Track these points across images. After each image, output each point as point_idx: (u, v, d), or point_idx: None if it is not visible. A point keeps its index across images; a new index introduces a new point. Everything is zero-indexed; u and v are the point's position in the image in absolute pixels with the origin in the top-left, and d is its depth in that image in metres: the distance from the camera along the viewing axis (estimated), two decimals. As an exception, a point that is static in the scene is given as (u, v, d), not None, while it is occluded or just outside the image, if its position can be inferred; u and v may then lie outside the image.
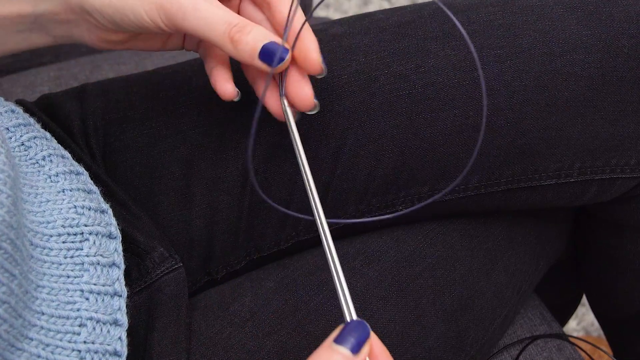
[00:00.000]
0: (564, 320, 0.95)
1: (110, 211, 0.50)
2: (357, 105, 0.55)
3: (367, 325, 0.40)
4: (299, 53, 0.47)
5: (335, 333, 0.40)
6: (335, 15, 1.63)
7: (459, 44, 0.55)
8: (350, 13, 1.65)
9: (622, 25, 0.55)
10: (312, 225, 0.58)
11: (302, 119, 0.55)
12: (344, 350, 0.38)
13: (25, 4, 0.49)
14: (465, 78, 0.55)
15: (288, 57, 0.46)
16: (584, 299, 0.93)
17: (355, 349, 0.39)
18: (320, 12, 1.64)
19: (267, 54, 0.45)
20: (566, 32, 0.55)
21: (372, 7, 1.65)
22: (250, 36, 0.45)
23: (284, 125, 0.53)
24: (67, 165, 0.51)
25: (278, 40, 0.46)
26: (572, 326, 1.20)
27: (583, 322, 1.21)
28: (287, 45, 0.46)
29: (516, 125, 0.55)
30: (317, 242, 0.59)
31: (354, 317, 0.41)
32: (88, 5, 0.47)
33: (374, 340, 0.40)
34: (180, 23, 0.46)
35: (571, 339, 0.72)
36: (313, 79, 0.49)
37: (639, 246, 0.65)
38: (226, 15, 0.46)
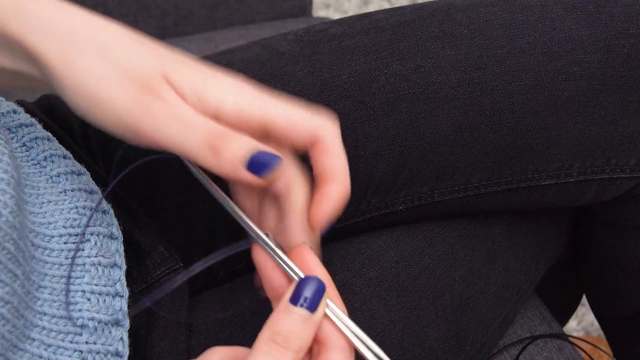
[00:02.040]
0: (564, 320, 0.96)
1: (111, 211, 0.50)
2: (357, 105, 0.55)
3: (321, 280, 0.39)
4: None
5: (288, 293, 0.38)
6: (335, 15, 1.63)
7: (458, 44, 0.55)
8: (350, 13, 1.65)
9: (622, 25, 0.55)
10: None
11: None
12: (302, 312, 0.38)
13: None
14: (464, 78, 0.55)
15: (279, 165, 0.40)
16: (584, 299, 0.93)
17: (313, 307, 0.38)
18: (320, 12, 1.65)
19: (256, 163, 0.39)
20: (566, 32, 0.55)
21: (372, 7, 1.65)
22: (235, 143, 0.39)
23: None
24: (69, 165, 0.51)
25: (268, 148, 0.40)
26: (572, 326, 1.20)
27: (583, 322, 1.21)
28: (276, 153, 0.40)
29: (516, 125, 0.55)
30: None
31: (300, 273, 0.40)
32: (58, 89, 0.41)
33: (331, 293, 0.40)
34: (151, 137, 0.39)
35: (571, 339, 0.72)
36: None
37: (639, 246, 0.65)
38: (206, 122, 0.39)
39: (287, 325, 0.38)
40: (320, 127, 0.42)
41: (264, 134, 0.41)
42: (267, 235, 0.42)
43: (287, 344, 0.37)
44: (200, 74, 0.41)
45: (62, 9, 0.40)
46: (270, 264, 0.41)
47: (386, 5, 1.67)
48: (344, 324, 0.40)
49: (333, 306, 0.40)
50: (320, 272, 0.40)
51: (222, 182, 0.44)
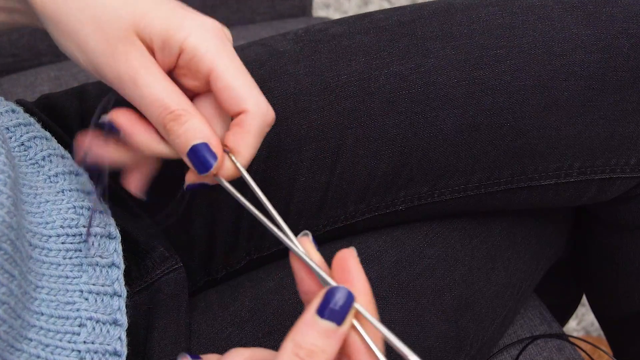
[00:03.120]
0: (564, 320, 0.95)
1: (109, 211, 0.50)
2: (357, 105, 0.55)
3: (350, 292, 0.36)
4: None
5: (316, 303, 0.36)
6: (335, 15, 1.63)
7: (458, 44, 0.55)
8: (350, 13, 1.65)
9: (622, 25, 0.55)
10: (311, 226, 0.58)
11: (302, 120, 0.55)
12: (328, 325, 0.35)
13: None
14: (464, 78, 0.55)
15: (216, 165, 0.42)
16: (584, 299, 0.93)
17: (339, 320, 0.35)
18: (320, 12, 1.64)
19: (195, 155, 0.42)
20: (566, 32, 0.55)
21: (372, 7, 1.65)
22: (183, 129, 0.42)
23: (283, 126, 0.53)
24: (67, 165, 0.50)
25: (213, 139, 0.42)
26: (572, 326, 1.20)
27: (583, 322, 1.21)
28: (218, 152, 0.42)
29: (516, 125, 0.55)
30: (317, 242, 0.59)
31: (332, 282, 0.37)
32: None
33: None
34: (119, 91, 0.43)
35: (571, 339, 0.72)
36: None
37: (639, 246, 0.65)
38: (165, 96, 0.42)
39: (311, 338, 0.35)
40: (249, 107, 0.43)
41: (207, 79, 0.43)
42: (306, 234, 0.40)
43: (311, 357, 0.35)
44: (166, 18, 0.43)
45: None
46: (304, 269, 0.39)
47: (386, 5, 1.67)
48: (375, 334, 0.37)
49: (368, 316, 0.37)
50: (359, 280, 0.37)
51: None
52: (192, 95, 0.45)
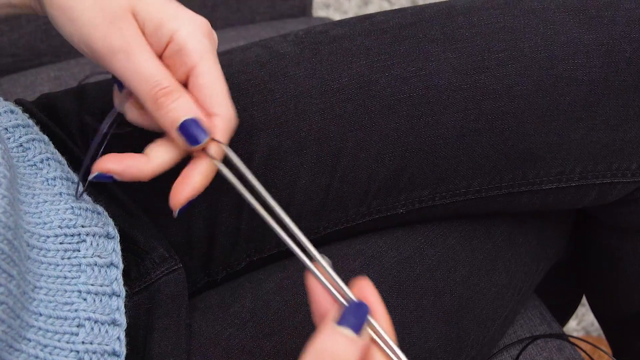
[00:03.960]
0: (564, 320, 0.95)
1: (105, 212, 0.50)
2: (358, 108, 0.55)
3: (366, 304, 0.39)
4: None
5: (333, 315, 0.38)
6: (335, 15, 1.62)
7: (460, 47, 0.55)
8: (350, 13, 1.65)
9: (624, 30, 0.55)
10: (312, 228, 0.58)
11: (302, 122, 0.55)
12: (347, 332, 0.37)
13: None
14: (465, 81, 0.55)
15: (206, 141, 0.44)
16: (584, 299, 0.93)
17: (357, 329, 0.37)
18: (320, 12, 1.64)
19: (186, 130, 0.43)
20: (568, 36, 0.55)
21: (372, 7, 1.65)
22: (174, 104, 0.43)
23: (283, 129, 0.52)
24: (65, 172, 0.51)
25: (201, 117, 0.44)
26: (572, 326, 1.20)
27: (583, 322, 1.21)
28: (207, 127, 0.44)
29: (517, 130, 0.55)
30: (316, 245, 0.59)
31: (353, 297, 0.39)
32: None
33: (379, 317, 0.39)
34: (108, 65, 0.44)
35: (571, 339, 0.72)
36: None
37: (638, 247, 0.65)
38: (157, 73, 0.44)
39: (332, 346, 0.37)
40: (219, 113, 0.45)
41: (187, 73, 0.45)
42: (322, 256, 0.41)
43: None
44: (162, 6, 0.45)
45: None
46: (320, 289, 0.40)
47: (386, 6, 1.66)
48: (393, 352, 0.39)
49: (384, 334, 0.39)
50: (377, 301, 0.39)
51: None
52: None
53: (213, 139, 0.45)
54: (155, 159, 0.45)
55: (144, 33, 0.44)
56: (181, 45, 0.44)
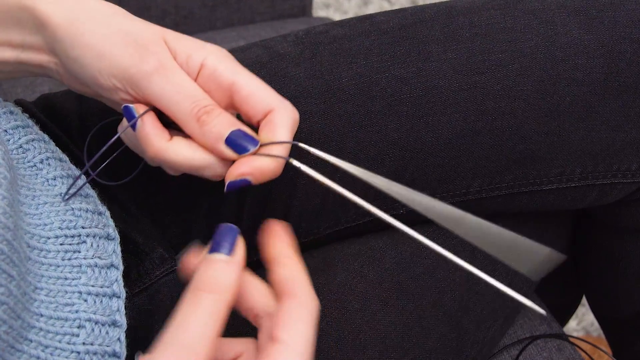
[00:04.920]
0: (564, 320, 0.95)
1: (107, 213, 0.50)
2: (358, 108, 0.55)
3: (235, 227, 0.40)
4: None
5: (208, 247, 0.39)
6: (335, 16, 1.62)
7: (460, 48, 0.55)
8: (350, 13, 1.65)
9: (625, 30, 0.55)
10: (312, 229, 0.58)
11: (302, 123, 0.55)
12: (220, 256, 0.38)
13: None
14: (466, 82, 0.55)
15: (254, 149, 0.45)
16: (584, 299, 0.93)
17: (228, 250, 0.39)
18: (320, 12, 1.64)
19: (234, 141, 0.44)
20: (568, 36, 0.55)
21: (372, 7, 1.65)
22: (217, 120, 0.44)
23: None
24: (65, 169, 0.51)
25: (246, 128, 0.45)
26: (572, 326, 1.20)
27: (583, 322, 1.21)
28: (255, 136, 0.45)
29: (518, 130, 0.55)
30: (316, 245, 0.59)
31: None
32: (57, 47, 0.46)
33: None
34: (144, 90, 0.44)
35: (571, 339, 0.72)
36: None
37: (638, 248, 0.65)
38: (197, 92, 0.45)
39: (207, 273, 0.37)
40: (275, 106, 0.45)
41: (229, 95, 0.46)
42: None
43: (211, 287, 0.37)
44: (190, 39, 0.47)
45: None
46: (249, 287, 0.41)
47: (386, 6, 1.66)
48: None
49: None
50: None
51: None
52: None
53: (263, 145, 0.45)
54: (174, 143, 0.45)
55: (175, 61, 0.45)
56: (213, 68, 0.45)
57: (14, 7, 0.46)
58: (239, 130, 0.44)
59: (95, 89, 0.46)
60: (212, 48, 0.46)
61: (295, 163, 0.45)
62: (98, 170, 0.48)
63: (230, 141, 0.44)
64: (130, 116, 0.45)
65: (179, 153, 0.45)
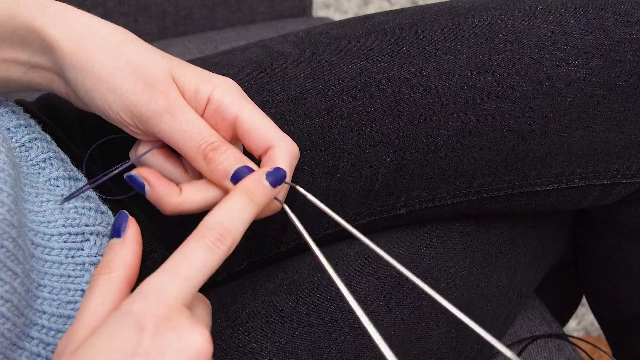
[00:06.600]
0: (564, 320, 0.96)
1: (109, 212, 0.50)
2: (358, 109, 0.55)
3: (124, 211, 0.44)
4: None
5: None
6: (335, 16, 1.62)
7: (460, 48, 0.55)
8: (350, 13, 1.65)
9: (625, 31, 0.55)
10: (313, 229, 0.58)
11: (303, 123, 0.55)
12: (116, 240, 0.42)
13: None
14: (466, 82, 0.55)
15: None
16: (584, 299, 0.93)
17: (118, 233, 0.43)
18: (320, 12, 1.64)
19: (240, 177, 0.45)
20: (569, 37, 0.55)
21: (372, 7, 1.65)
22: (223, 157, 0.45)
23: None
24: (67, 170, 0.51)
25: (251, 164, 0.46)
26: (572, 326, 1.20)
27: (583, 322, 1.21)
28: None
29: (518, 131, 0.55)
30: (317, 245, 0.59)
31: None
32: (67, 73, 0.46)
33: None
34: (153, 127, 0.45)
35: (571, 339, 0.72)
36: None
37: (638, 248, 0.65)
38: (203, 130, 0.46)
39: (106, 257, 0.42)
40: (275, 143, 0.46)
41: (234, 127, 0.47)
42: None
43: (107, 269, 0.41)
44: (198, 73, 0.47)
45: (82, 12, 0.47)
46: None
47: (386, 6, 1.66)
48: None
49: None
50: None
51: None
52: None
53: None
54: (186, 194, 0.46)
55: (183, 97, 0.46)
56: (219, 102, 0.46)
57: (21, 26, 0.45)
58: (244, 167, 0.45)
59: (103, 117, 0.47)
60: (218, 80, 0.47)
61: (302, 190, 0.48)
62: (98, 182, 0.48)
63: (236, 178, 0.45)
64: (137, 185, 0.46)
65: (194, 201, 0.46)
